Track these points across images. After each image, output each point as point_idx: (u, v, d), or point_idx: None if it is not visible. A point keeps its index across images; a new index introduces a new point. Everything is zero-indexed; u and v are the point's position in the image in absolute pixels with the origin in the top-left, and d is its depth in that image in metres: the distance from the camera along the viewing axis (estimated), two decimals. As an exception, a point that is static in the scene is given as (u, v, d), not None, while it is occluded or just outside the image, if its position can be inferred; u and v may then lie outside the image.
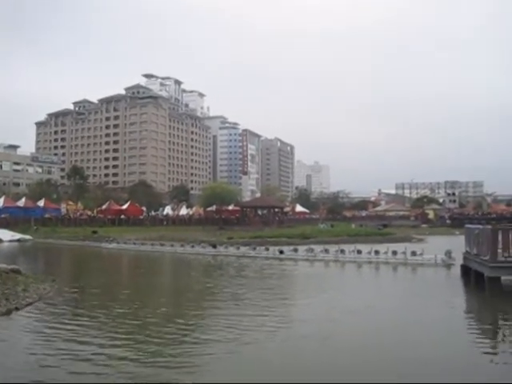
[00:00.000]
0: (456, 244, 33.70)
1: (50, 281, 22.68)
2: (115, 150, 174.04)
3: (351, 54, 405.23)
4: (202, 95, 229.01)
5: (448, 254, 31.31)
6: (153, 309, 17.66)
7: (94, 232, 61.19)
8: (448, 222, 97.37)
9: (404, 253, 32.68)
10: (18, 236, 57.88)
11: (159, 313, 16.99)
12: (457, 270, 26.52)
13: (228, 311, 16.82)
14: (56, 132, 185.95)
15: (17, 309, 16.55)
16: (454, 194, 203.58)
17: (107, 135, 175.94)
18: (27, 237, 58.64)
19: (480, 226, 24.33)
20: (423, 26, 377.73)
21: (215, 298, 20.19)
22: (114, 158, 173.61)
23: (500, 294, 19.60)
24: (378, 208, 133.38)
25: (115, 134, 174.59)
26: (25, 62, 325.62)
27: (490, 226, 22.06)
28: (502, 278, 20.49)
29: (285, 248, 38.89)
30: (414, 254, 32.77)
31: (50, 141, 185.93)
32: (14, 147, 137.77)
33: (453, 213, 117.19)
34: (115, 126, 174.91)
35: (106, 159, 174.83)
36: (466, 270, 24.58)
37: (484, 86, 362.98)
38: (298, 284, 25.42)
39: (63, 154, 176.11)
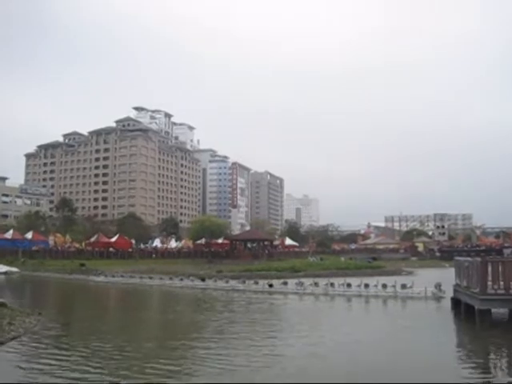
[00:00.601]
0: (446, 276, 33.66)
1: (36, 314, 22.38)
2: (105, 183, 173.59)
3: (339, 91, 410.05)
4: (191, 128, 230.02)
5: (438, 286, 31.25)
6: (136, 345, 17.28)
7: (82, 265, 60.61)
8: (437, 254, 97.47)
9: (394, 286, 32.58)
10: (4, 268, 57.23)
11: (142, 349, 16.62)
12: (447, 303, 26.42)
13: (213, 350, 16.32)
14: (45, 164, 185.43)
15: (1, 343, 16.26)
16: (443, 226, 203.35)
17: (97, 167, 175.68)
18: (14, 269, 58.00)
19: (469, 259, 24.32)
20: (412, 64, 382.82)
21: (200, 335, 19.80)
22: (104, 191, 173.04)
23: (491, 327, 19.47)
24: (368, 241, 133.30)
25: (105, 167, 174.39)
26: (14, 93, 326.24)
27: (479, 259, 22.03)
28: (493, 310, 20.42)
29: (274, 281, 38.70)
30: (404, 287, 32.68)
31: (40, 173, 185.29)
32: (3, 179, 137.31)
33: (442, 245, 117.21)
34: (105, 158, 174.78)
35: (96, 191, 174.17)
36: (456, 303, 24.48)
37: (472, 120, 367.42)
38: (287, 319, 24.96)
39: (52, 186, 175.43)
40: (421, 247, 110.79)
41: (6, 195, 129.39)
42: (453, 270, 27.12)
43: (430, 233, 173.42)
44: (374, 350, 16.27)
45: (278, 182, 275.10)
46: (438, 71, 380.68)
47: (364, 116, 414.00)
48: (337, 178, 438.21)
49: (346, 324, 22.19)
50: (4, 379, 12.37)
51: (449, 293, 27.14)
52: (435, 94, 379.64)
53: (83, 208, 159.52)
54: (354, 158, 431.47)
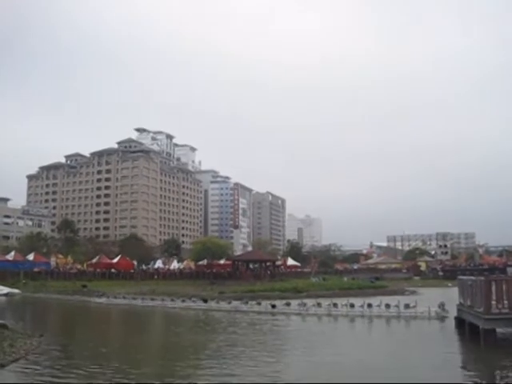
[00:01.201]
0: (449, 296, 33.55)
1: (37, 336, 22.27)
2: (106, 204, 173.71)
3: (341, 108, 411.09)
4: (193, 149, 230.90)
5: (441, 306, 31.09)
6: (137, 369, 17.06)
7: (84, 286, 60.41)
8: (440, 273, 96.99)
9: (397, 306, 32.40)
10: (6, 290, 57.05)
11: (141, 373, 16.43)
12: (451, 323, 26.26)
13: (212, 371, 16.28)
14: (47, 185, 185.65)
15: (2, 365, 16.13)
16: (445, 245, 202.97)
17: (98, 188, 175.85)
18: (16, 291, 57.84)
19: (473, 278, 24.19)
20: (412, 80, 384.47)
21: (200, 357, 19.59)
22: (105, 212, 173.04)
23: (495, 347, 19.33)
24: (370, 261, 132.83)
25: (107, 188, 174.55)
26: (16, 115, 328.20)
27: (482, 278, 21.92)
28: (497, 329, 20.26)
29: (277, 302, 38.51)
30: (407, 306, 32.51)
31: (41, 194, 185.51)
32: (5, 200, 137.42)
33: (445, 265, 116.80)
34: (107, 179, 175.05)
35: (97, 212, 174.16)
36: (460, 322, 24.33)
37: (475, 136, 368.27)
38: (289, 341, 24.75)
39: (54, 207, 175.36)
40: (423, 266, 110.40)
41: (8, 216, 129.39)
42: (456, 289, 27.02)
43: (433, 252, 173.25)
44: (378, 372, 16.08)
45: (279, 202, 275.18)
46: (434, 80, 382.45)
47: (366, 134, 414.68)
48: (338, 198, 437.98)
49: (350, 346, 22.00)
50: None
51: (452, 312, 26.99)
52: (438, 110, 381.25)
53: (85, 229, 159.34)
54: (356, 178, 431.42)
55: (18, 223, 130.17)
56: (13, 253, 78.57)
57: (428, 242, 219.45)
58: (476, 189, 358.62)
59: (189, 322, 33.64)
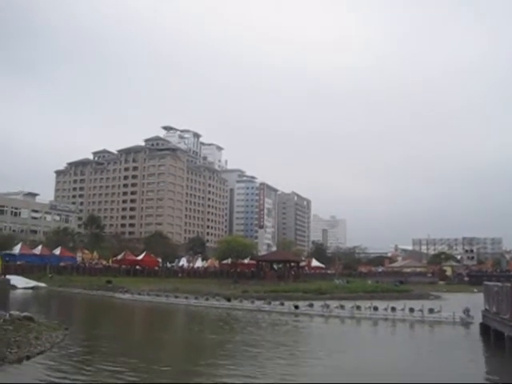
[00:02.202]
0: (474, 302, 33.14)
1: (62, 329, 22.54)
2: (132, 201, 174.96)
3: (366, 112, 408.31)
4: (220, 148, 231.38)
5: (466, 311, 30.75)
6: (158, 365, 17.16)
7: (109, 282, 60.95)
8: (466, 279, 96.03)
9: (421, 310, 32.16)
10: (32, 283, 57.90)
11: (162, 371, 16.51)
12: (476, 329, 25.97)
13: (234, 371, 16.32)
14: (75, 181, 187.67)
15: (28, 357, 16.37)
16: (472, 250, 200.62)
17: (125, 185, 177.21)
18: (42, 284, 58.67)
19: (499, 284, 23.86)
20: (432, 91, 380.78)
21: (223, 356, 19.50)
22: (131, 209, 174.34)
23: (521, 355, 19.04)
24: (395, 264, 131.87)
25: (133, 185, 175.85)
26: (45, 111, 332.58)
27: (509, 284, 21.61)
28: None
29: (300, 303, 38.46)
30: (431, 311, 32.26)
31: (69, 189, 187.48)
32: (33, 195, 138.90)
33: (471, 270, 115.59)
34: (133, 176, 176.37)
35: (124, 209, 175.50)
36: (485, 329, 24.03)
37: (500, 140, 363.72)
38: (311, 343, 24.62)
39: (81, 203, 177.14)
40: (449, 271, 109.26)
41: (36, 211, 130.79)
42: (481, 295, 26.70)
43: (459, 257, 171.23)
44: (400, 378, 15.90)
45: (304, 203, 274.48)
46: (454, 87, 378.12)
47: (392, 135, 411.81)
48: (364, 200, 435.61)
49: (372, 350, 21.83)
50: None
51: (477, 318, 26.68)
52: (461, 115, 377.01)
53: (111, 225, 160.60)
54: (382, 179, 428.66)
55: (45, 218, 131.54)
56: (40, 247, 79.61)
57: (454, 247, 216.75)
58: (504, 192, 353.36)
59: (212, 320, 33.73)
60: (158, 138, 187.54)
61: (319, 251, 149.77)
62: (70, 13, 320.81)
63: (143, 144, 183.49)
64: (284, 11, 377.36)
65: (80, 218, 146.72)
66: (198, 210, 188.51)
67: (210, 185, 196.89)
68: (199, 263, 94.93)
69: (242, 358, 19.04)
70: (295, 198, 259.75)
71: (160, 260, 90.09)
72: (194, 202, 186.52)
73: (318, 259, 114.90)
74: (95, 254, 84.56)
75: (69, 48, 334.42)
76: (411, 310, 32.71)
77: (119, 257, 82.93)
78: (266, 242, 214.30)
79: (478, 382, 11.53)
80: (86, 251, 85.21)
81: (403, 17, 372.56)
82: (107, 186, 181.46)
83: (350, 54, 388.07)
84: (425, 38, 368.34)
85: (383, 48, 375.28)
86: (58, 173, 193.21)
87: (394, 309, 33.25)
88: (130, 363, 17.09)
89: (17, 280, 57.73)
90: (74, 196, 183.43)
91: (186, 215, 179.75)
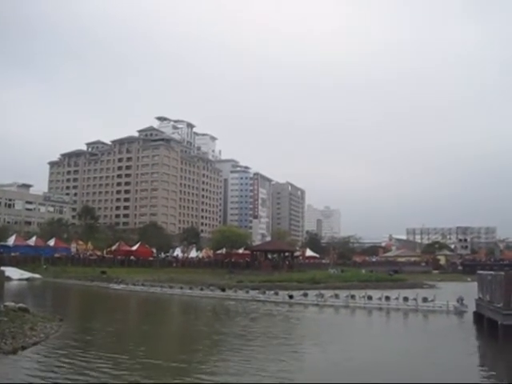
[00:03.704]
0: (468, 291, 33.34)
1: (57, 320, 22.56)
2: (127, 191, 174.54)
3: (361, 104, 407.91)
4: (213, 138, 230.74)
5: (460, 300, 30.93)
6: (155, 358, 17.20)
7: (103, 272, 61.06)
8: (460, 268, 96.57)
9: (415, 299, 32.32)
10: (27, 275, 57.91)
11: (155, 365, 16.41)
12: (469, 317, 26.12)
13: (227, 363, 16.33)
14: (69, 172, 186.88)
15: (23, 348, 16.39)
16: (465, 239, 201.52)
17: (119, 176, 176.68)
18: (36, 276, 58.66)
19: (493, 273, 23.99)
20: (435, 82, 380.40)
21: (219, 349, 19.35)
22: (126, 199, 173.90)
23: (514, 343, 19.15)
24: (389, 253, 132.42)
25: (127, 176, 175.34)
26: (38, 102, 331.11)
27: (503, 273, 21.72)
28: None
29: (294, 293, 38.56)
30: (425, 300, 32.41)
31: (63, 181, 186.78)
32: (27, 186, 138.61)
33: (464, 259, 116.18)
34: (127, 167, 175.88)
35: (118, 200, 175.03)
36: (478, 317, 24.19)
37: (496, 129, 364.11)
38: (304, 333, 24.37)
39: (75, 194, 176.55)
40: (443, 260, 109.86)
41: (30, 202, 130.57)
42: (475, 284, 26.85)
43: (453, 246, 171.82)
44: (394, 368, 15.82)
45: (299, 193, 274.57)
46: (450, 79, 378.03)
47: (388, 126, 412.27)
48: (359, 190, 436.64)
49: (366, 340, 21.86)
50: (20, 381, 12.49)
51: (471, 307, 26.83)
52: (461, 105, 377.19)
53: (105, 216, 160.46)
54: (376, 170, 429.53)
55: (39, 209, 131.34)
56: (34, 238, 79.53)
57: (448, 236, 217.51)
58: (498, 182, 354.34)
59: (207, 310, 33.75)
60: (151, 129, 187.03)
61: (313, 241, 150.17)
62: (65, 5, 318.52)
63: (137, 135, 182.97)
64: (282, 2, 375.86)
65: (74, 209, 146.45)
66: (192, 201, 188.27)
67: (204, 175, 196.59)
68: (194, 253, 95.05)
69: (242, 351, 18.48)
70: (289, 188, 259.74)
71: (154, 250, 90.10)
72: (188, 193, 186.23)
73: (312, 249, 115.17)
74: (89, 244, 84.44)
75: (64, 40, 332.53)
76: (405, 299, 32.87)
77: (114, 247, 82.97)
78: (260, 232, 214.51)
79: (480, 383, 11.52)
80: (81, 242, 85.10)
81: (403, 8, 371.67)
82: (101, 177, 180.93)
83: (349, 45, 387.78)
84: (424, 29, 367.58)
85: (383, 39, 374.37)
86: (52, 164, 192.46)
87: (388, 298, 33.40)
88: (122, 354, 17.07)
89: (11, 271, 57.74)
90: (67, 187, 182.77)
91: (180, 205, 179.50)
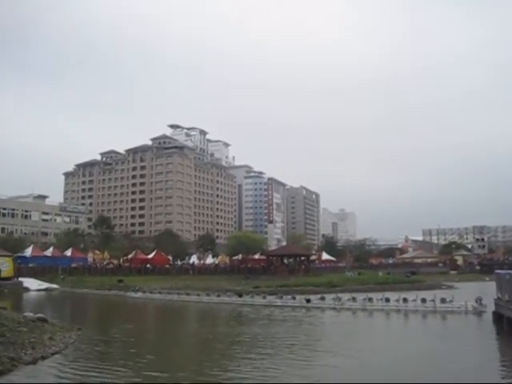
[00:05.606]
0: (486, 290, 33.07)
1: (75, 330, 22.69)
2: (141, 200, 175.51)
3: (375, 105, 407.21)
4: (226, 145, 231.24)
5: (479, 300, 30.67)
6: (174, 367, 17.24)
7: (120, 281, 61.19)
8: (477, 267, 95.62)
9: (433, 300, 32.06)
10: (45, 285, 58.31)
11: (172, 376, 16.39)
12: (488, 317, 25.89)
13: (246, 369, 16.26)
14: (84, 182, 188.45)
15: (43, 358, 16.50)
16: (482, 239, 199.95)
17: (134, 185, 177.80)
18: (54, 286, 59.03)
19: (511, 272, 23.78)
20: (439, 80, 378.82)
21: (235, 356, 18.93)
22: (141, 208, 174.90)
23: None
24: (406, 255, 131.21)
25: (141, 184, 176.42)
26: (54, 113, 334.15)
27: (521, 272, 21.56)
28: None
29: (312, 296, 38.48)
30: (443, 301, 32.15)
31: (78, 191, 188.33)
32: (43, 197, 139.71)
33: (482, 258, 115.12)
34: (142, 175, 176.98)
35: (133, 209, 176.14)
36: (498, 317, 23.97)
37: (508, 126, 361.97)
38: (322, 338, 23.99)
39: (90, 204, 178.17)
40: (460, 261, 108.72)
41: (46, 213, 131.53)
42: (493, 283, 26.63)
43: (470, 246, 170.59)
44: (415, 371, 15.67)
45: (313, 196, 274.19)
46: (441, 77, 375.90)
47: (400, 128, 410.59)
48: (373, 192, 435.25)
49: (386, 344, 21.62)
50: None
51: (490, 307, 26.60)
52: (468, 105, 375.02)
53: (121, 225, 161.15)
54: (390, 171, 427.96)
55: (55, 220, 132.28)
56: (51, 249, 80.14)
57: (464, 236, 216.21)
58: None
59: (225, 317, 33.72)
60: (164, 137, 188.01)
61: (329, 244, 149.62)
62: (75, 13, 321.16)
63: (150, 143, 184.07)
64: (284, 7, 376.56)
65: (90, 219, 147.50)
66: (207, 207, 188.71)
67: (218, 181, 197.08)
68: (210, 260, 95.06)
69: (255, 358, 18.34)
70: (304, 192, 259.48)
71: (170, 258, 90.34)
72: (203, 199, 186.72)
73: (328, 252, 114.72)
74: (106, 254, 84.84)
75: (75, 49, 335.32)
76: (423, 300, 32.64)
77: (130, 256, 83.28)
78: (275, 236, 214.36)
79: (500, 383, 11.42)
80: (97, 251, 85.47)
81: (403, 6, 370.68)
82: (116, 186, 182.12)
83: (354, 47, 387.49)
84: (424, 29, 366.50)
85: (383, 39, 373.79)
86: (67, 174, 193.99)
87: (405, 300, 33.19)
88: (141, 362, 17.07)
89: (29, 282, 58.35)
90: (83, 197, 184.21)
91: (195, 212, 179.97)
